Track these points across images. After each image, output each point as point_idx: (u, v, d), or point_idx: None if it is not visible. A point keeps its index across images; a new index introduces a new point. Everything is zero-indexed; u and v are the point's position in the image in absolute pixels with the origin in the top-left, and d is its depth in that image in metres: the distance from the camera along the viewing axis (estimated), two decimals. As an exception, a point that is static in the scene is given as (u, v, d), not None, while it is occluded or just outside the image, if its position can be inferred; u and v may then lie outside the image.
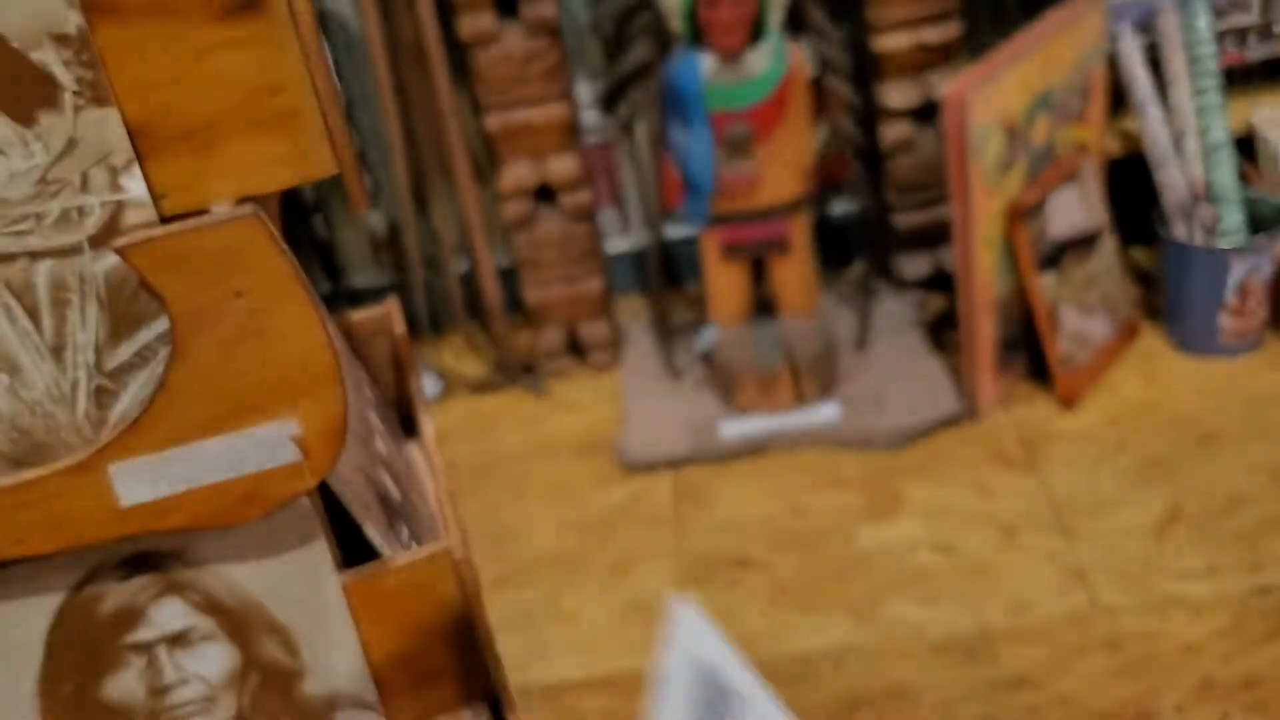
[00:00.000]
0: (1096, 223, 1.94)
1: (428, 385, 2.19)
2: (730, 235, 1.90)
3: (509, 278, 2.20)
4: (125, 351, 0.60)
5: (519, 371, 2.18)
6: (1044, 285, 1.85)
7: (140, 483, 0.59)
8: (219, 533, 0.64)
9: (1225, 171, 1.86)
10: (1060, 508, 1.71)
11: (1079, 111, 1.91)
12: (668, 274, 2.16)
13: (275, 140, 0.59)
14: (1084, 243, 1.92)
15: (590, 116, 2.15)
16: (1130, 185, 1.99)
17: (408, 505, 0.80)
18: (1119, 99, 1.97)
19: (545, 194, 2.09)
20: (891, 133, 2.03)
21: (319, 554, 0.66)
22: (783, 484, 1.85)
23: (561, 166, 2.04)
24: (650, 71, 1.92)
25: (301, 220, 2.20)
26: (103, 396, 0.60)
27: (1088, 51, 1.88)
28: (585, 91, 2.14)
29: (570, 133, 2.04)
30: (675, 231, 2.15)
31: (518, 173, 2.05)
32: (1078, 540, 1.65)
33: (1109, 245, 1.96)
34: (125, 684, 0.65)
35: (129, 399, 0.60)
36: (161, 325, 0.59)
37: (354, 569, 0.68)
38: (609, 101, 2.11)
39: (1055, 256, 1.87)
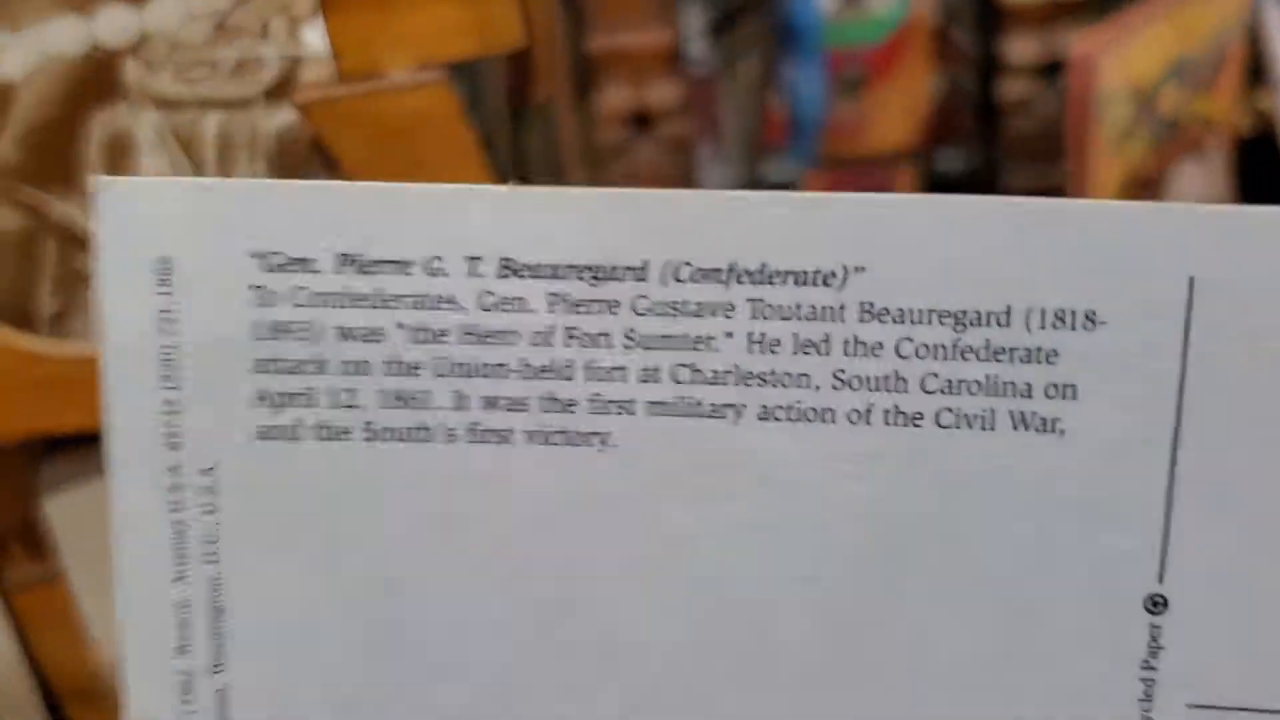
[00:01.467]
0: (1220, 198, 1.87)
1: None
2: (834, 179, 1.84)
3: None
4: None
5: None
6: (1156, 260, 1.79)
7: None
8: None
9: (1360, 158, 1.79)
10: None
11: (1211, 84, 1.83)
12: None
13: (460, 5, 0.53)
14: (1201, 220, 1.85)
15: (696, 47, 2.09)
16: (1259, 167, 1.92)
17: None
18: (1257, 74, 1.89)
19: (642, 123, 2.03)
20: (1012, 88, 1.96)
21: None
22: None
23: (662, 94, 1.98)
24: (764, 2, 1.85)
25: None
26: None
27: (1228, 21, 1.80)
28: (694, 18, 2.08)
29: (674, 60, 1.97)
30: (774, 173, 2.08)
31: (616, 96, 1.98)
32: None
33: (1226, 225, 1.89)
34: None
35: None
36: None
37: None
38: (718, 31, 2.04)
39: (1171, 232, 1.81)
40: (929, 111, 1.87)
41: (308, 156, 0.52)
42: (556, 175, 2.10)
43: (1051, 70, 1.94)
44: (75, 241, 0.54)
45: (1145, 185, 1.73)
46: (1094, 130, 1.68)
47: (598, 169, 2.14)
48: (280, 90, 0.51)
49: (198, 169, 0.52)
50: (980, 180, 1.94)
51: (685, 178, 2.06)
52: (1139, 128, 1.77)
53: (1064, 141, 1.78)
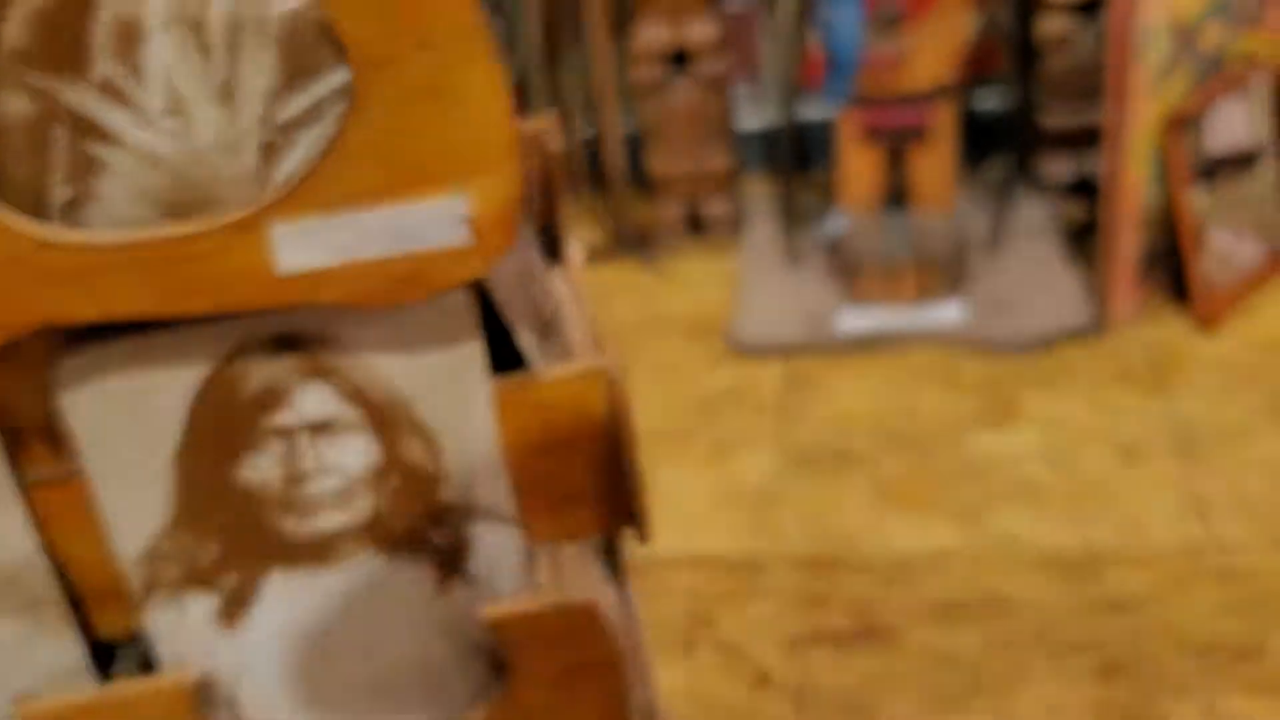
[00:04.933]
0: (1260, 141, 1.83)
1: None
2: (871, 118, 1.82)
3: (633, 146, 2.15)
4: (298, 104, 0.56)
5: (635, 244, 2.14)
6: (1194, 201, 1.76)
7: (302, 248, 0.56)
8: (371, 321, 0.61)
9: None
10: (1185, 434, 1.64)
11: (1256, 19, 1.79)
12: (798, 156, 2.09)
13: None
14: (1243, 161, 1.81)
15: (734, -16, 2.08)
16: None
17: (556, 326, 0.77)
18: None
19: (679, 61, 2.02)
20: (1050, 26, 1.93)
21: (471, 355, 0.63)
22: (896, 381, 1.79)
23: (700, 31, 1.98)
24: (802, -60, 1.83)
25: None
26: (271, 152, 0.56)
27: (1274, -47, 1.76)
28: (731, -43, 2.06)
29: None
30: (810, 112, 2.07)
31: (654, 33, 1.98)
32: (1201, 469, 1.58)
33: (1271, 166, 1.85)
34: (263, 467, 0.64)
35: (298, 157, 0.56)
36: (338, 78, 0.55)
37: (505, 376, 0.64)
38: (755, -31, 2.03)
39: (1211, 172, 1.77)
40: (966, 49, 1.84)
41: (316, 41, 0.53)
42: (592, 111, 2.10)
43: (1091, 8, 1.90)
44: (86, 129, 0.55)
45: (1186, 124, 1.70)
46: (1135, 67, 1.65)
47: (635, 106, 2.15)
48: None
49: (205, 54, 0.52)
50: (1017, 121, 1.91)
51: (722, 116, 2.06)
52: (1179, 65, 1.73)
53: (1102, 80, 1.75)
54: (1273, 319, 1.81)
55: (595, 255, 2.15)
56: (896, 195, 1.93)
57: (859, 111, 1.83)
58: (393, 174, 0.55)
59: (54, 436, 0.63)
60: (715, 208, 2.11)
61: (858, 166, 1.87)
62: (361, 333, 0.61)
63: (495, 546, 0.67)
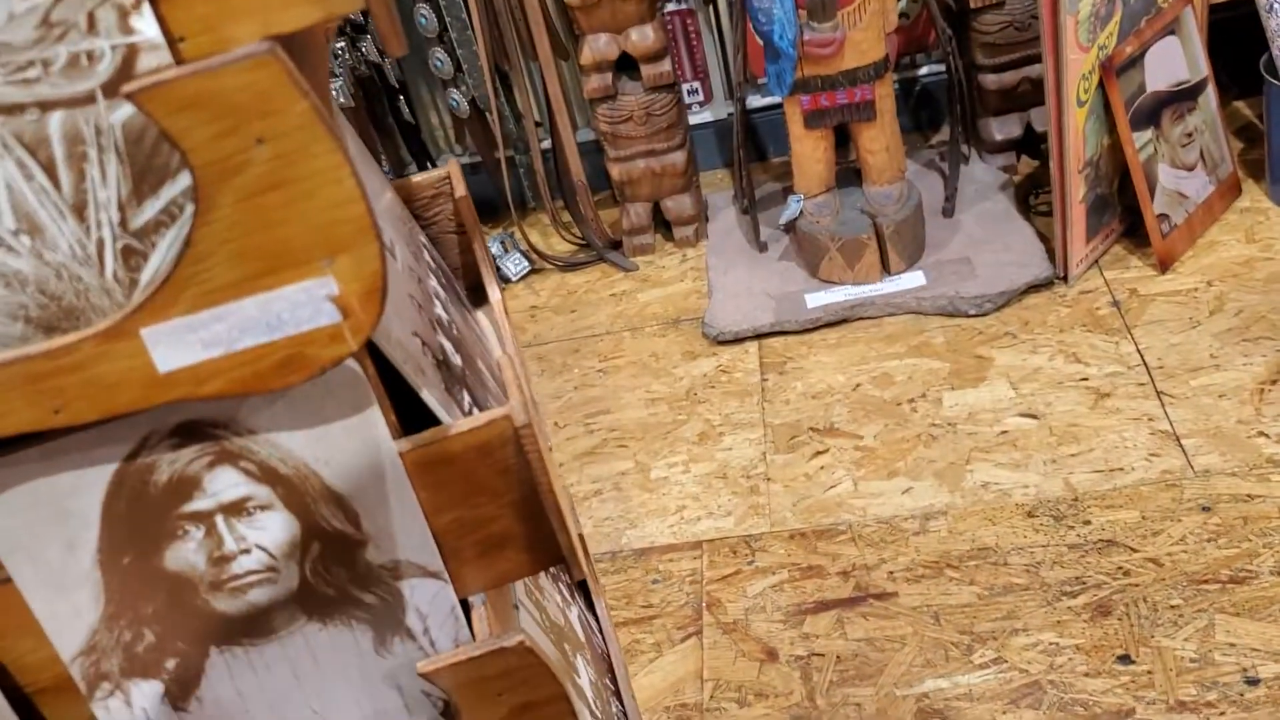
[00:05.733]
0: (1198, 75, 1.86)
1: (514, 264, 2.20)
2: (814, 101, 1.85)
3: (594, 154, 2.18)
4: (150, 209, 0.58)
5: (606, 247, 2.17)
6: (1140, 142, 1.79)
7: (176, 347, 0.58)
8: (269, 400, 0.63)
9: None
10: (1155, 371, 1.67)
11: (1179, -41, 1.82)
12: (751, 146, 2.12)
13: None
14: (1184, 96, 1.84)
15: (670, -15, 2.11)
16: (1236, 34, 1.91)
17: (472, 373, 0.79)
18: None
19: (626, 67, 2.06)
20: (980, -11, 1.96)
21: (373, 422, 0.64)
22: (869, 352, 1.83)
23: (641, 36, 2.01)
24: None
25: (388, 101, 2.19)
26: (131, 258, 0.58)
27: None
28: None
29: (650, 3, 2.00)
30: (758, 102, 2.10)
31: (598, 45, 2.02)
32: (1173, 403, 1.62)
33: (1210, 99, 1.88)
34: (185, 554, 0.65)
35: (159, 260, 0.58)
36: (185, 180, 0.57)
37: (410, 437, 0.66)
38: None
39: (1153, 112, 1.81)
40: (901, 22, 1.86)
41: (158, 147, 0.54)
42: (550, 123, 2.14)
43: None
44: None
45: (1122, 68, 1.73)
46: (1067, 18, 1.67)
47: (588, 115, 2.18)
48: (119, 82, 0.52)
49: (50, 171, 0.54)
50: (958, 85, 1.94)
51: (674, 115, 2.09)
52: (1113, 10, 1.76)
53: (1037, 35, 1.77)
54: (1229, 249, 1.84)
55: (569, 263, 2.18)
56: (850, 173, 1.97)
57: (802, 97, 1.86)
58: (251, 265, 0.57)
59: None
60: (678, 204, 2.14)
61: (807, 150, 1.90)
62: (260, 415, 0.63)
63: (428, 601, 0.69)
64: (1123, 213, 1.88)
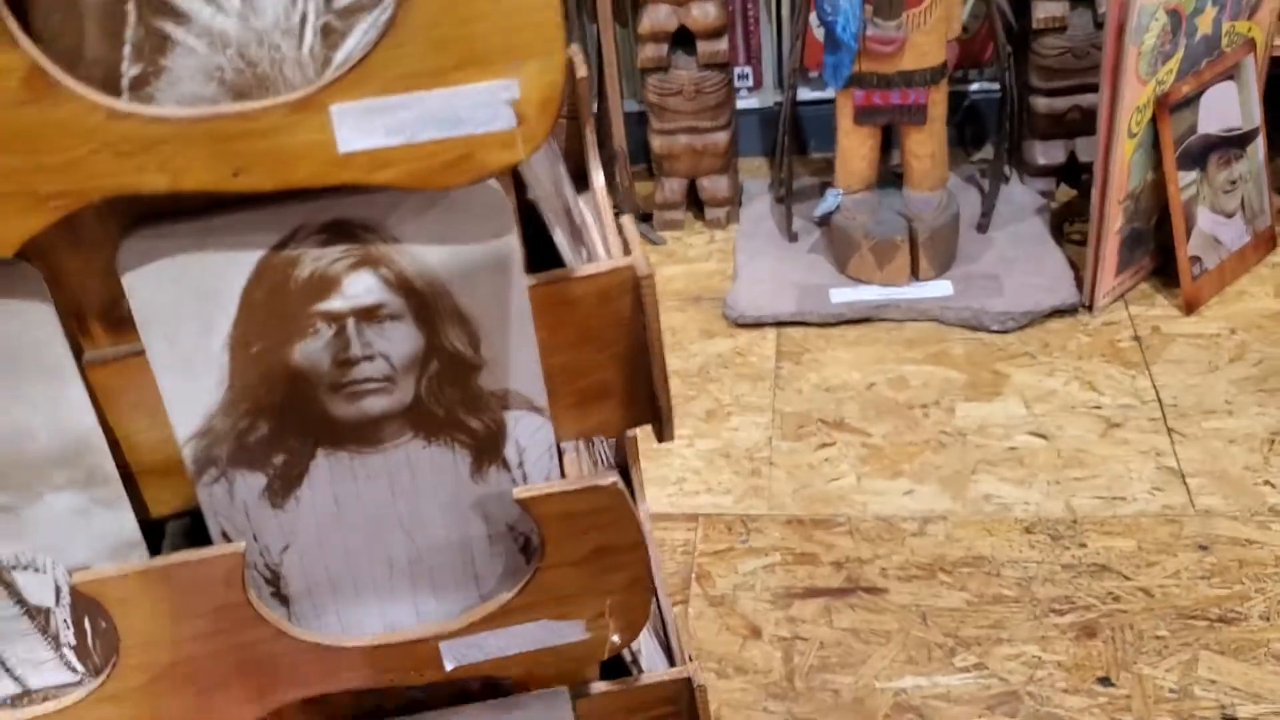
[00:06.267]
0: (1250, 124, 1.87)
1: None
2: (868, 98, 1.86)
3: (637, 123, 2.19)
4: None
5: (637, 218, 2.18)
6: (1184, 182, 1.80)
7: (359, 129, 0.59)
8: (418, 210, 0.64)
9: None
10: (1168, 408, 1.68)
11: (1251, 5, 1.83)
12: (795, 137, 2.13)
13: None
14: (1233, 143, 1.85)
15: (737, -34, 2.12)
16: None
17: (584, 236, 0.81)
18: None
19: (683, 42, 2.06)
20: (1044, 9, 1.97)
21: (509, 250, 0.66)
22: (887, 354, 1.84)
23: (702, 13, 2.02)
24: (805, -78, 1.87)
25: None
26: (330, 35, 0.59)
27: (1265, -55, 1.80)
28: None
29: (715, -20, 2.00)
30: (806, 95, 2.10)
31: (658, 16, 2.02)
32: (1182, 441, 1.62)
33: (1259, 149, 1.89)
34: (312, 352, 0.66)
35: (355, 41, 0.59)
36: None
37: (540, 273, 0.68)
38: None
39: (1201, 155, 1.82)
40: (962, 32, 1.87)
41: None
42: (600, 87, 2.14)
43: (1085, -7, 1.95)
44: (157, 6, 0.54)
45: (1177, 106, 1.74)
46: (1130, 48, 1.68)
47: (635, 86, 2.18)
48: None
49: None
50: (1009, 104, 1.95)
51: (722, 95, 2.10)
52: (1176, 48, 1.77)
53: (1093, 64, 1.78)
54: (1256, 300, 1.86)
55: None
56: (892, 175, 1.98)
57: (856, 92, 1.87)
58: (445, 57, 0.57)
59: (114, 318, 0.66)
60: (714, 184, 2.15)
61: (853, 145, 1.91)
62: (408, 223, 0.64)
63: (528, 435, 0.71)
64: (1155, 251, 1.89)
